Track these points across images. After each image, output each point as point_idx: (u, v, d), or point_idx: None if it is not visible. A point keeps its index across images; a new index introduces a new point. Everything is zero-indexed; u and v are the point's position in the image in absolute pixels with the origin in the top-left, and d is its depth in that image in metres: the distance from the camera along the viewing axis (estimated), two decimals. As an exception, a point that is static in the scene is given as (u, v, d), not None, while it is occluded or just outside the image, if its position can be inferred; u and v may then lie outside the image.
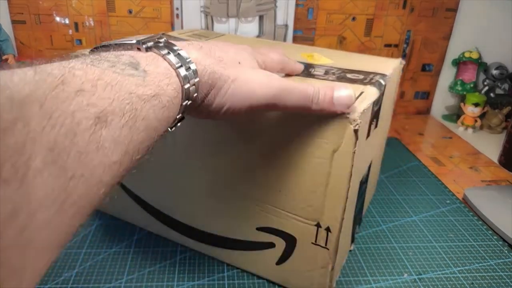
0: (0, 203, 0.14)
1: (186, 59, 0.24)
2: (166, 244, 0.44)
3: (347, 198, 0.32)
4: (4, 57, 0.69)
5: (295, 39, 0.79)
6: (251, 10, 0.75)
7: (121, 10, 0.74)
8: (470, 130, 0.80)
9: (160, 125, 0.22)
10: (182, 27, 0.75)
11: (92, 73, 0.19)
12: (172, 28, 0.76)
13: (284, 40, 0.78)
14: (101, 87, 0.19)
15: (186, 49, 0.25)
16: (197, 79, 0.25)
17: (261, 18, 0.76)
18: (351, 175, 0.31)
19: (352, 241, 0.44)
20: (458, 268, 0.42)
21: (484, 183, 0.61)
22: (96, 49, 0.25)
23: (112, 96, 0.19)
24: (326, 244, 0.34)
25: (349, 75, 0.38)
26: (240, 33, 0.76)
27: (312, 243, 0.35)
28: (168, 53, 0.24)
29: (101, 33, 0.75)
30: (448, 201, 0.54)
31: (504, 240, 0.47)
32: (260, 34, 0.77)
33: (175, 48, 0.24)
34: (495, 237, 0.47)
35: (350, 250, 0.44)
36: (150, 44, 0.24)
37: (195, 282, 0.39)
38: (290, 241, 0.36)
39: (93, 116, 0.18)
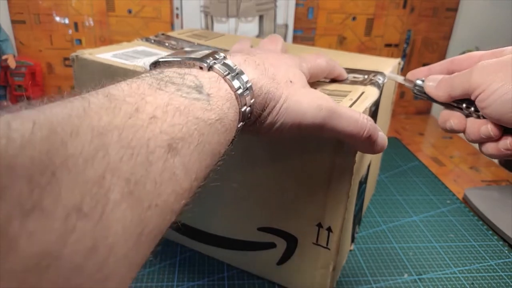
0: (80, 238, 0.13)
1: (246, 81, 0.24)
2: (166, 244, 0.44)
3: (348, 198, 0.32)
4: (4, 57, 0.69)
5: (295, 39, 0.79)
6: (251, 10, 0.75)
7: (121, 9, 0.73)
8: (470, 130, 0.80)
9: (221, 149, 0.22)
10: (182, 27, 0.75)
11: (161, 98, 0.19)
12: (172, 28, 0.76)
13: (284, 40, 0.78)
14: (171, 113, 0.18)
15: (244, 67, 0.25)
16: (252, 100, 0.24)
17: (261, 17, 0.76)
18: (352, 175, 0.31)
19: (352, 241, 0.44)
20: (459, 268, 0.42)
21: (484, 183, 0.61)
22: (157, 63, 0.24)
23: (181, 122, 0.19)
24: (327, 244, 0.34)
25: (348, 77, 0.38)
26: (240, 33, 0.76)
27: (313, 243, 0.35)
28: (228, 73, 0.23)
29: (100, 33, 0.75)
30: (448, 201, 0.54)
31: (504, 240, 0.47)
32: (260, 34, 0.77)
33: (234, 68, 0.24)
34: (495, 237, 0.47)
35: (350, 250, 0.44)
36: (211, 62, 0.23)
37: (195, 282, 0.39)
38: (291, 241, 0.36)
39: (166, 144, 0.17)
